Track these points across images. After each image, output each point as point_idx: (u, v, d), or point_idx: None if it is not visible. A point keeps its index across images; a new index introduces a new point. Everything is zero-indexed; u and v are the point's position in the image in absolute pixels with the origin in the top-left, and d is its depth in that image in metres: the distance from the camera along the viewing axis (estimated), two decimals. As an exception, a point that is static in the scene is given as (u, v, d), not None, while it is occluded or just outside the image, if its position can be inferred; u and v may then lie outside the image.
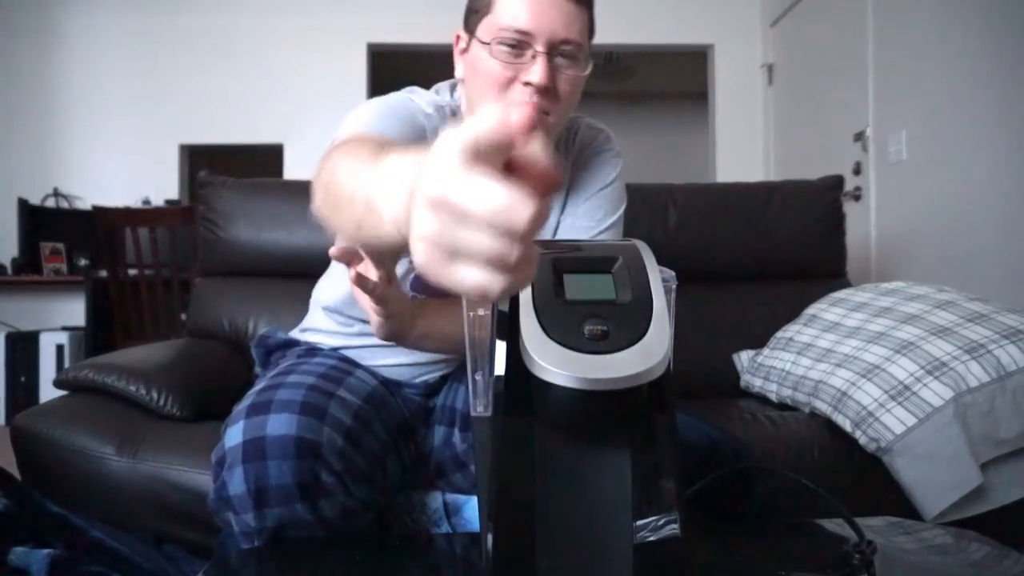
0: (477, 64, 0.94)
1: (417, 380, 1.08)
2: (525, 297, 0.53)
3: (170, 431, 1.31)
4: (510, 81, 0.92)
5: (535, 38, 0.90)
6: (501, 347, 0.56)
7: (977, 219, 2.38)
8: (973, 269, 2.37)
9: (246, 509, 0.80)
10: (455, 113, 1.01)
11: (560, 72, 0.93)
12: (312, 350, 1.10)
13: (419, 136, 0.95)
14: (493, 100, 0.93)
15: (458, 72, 1.01)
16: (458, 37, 1.00)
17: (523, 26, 0.90)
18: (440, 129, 0.96)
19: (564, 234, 1.07)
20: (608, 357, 0.50)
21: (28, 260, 3.79)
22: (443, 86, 1.07)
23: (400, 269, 0.99)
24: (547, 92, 0.92)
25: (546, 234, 1.06)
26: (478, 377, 0.61)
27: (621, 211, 1.09)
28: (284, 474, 0.79)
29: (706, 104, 4.42)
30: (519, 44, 0.90)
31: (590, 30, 0.97)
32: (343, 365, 1.02)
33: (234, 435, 0.82)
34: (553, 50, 0.91)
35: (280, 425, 0.81)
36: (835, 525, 0.80)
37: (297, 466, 0.80)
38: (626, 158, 1.14)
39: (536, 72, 0.90)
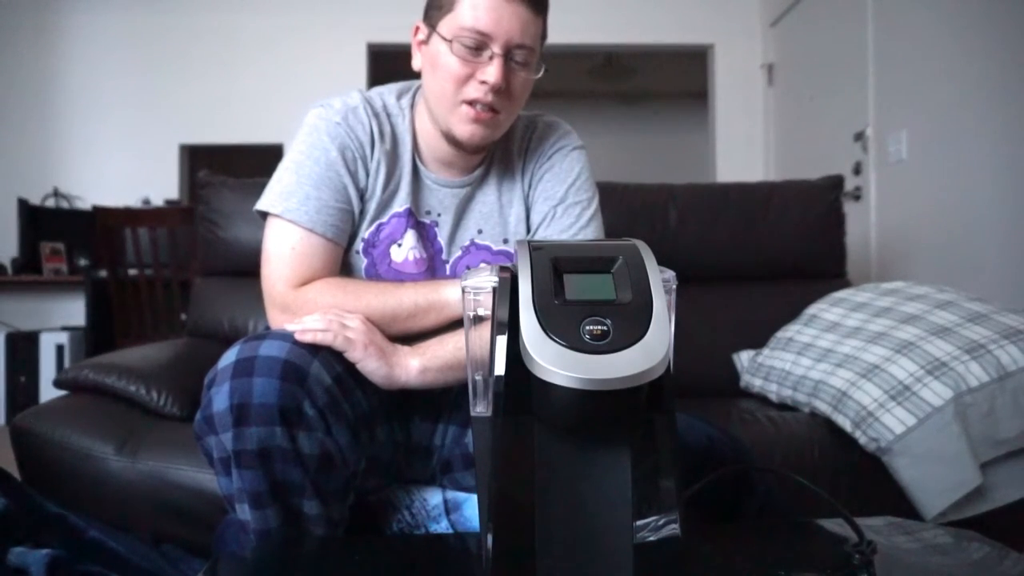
0: (437, 58, 1.00)
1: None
2: (525, 297, 0.53)
3: (170, 431, 1.31)
4: (467, 78, 0.98)
5: (493, 40, 0.96)
6: (501, 347, 0.56)
7: (977, 219, 2.38)
8: (973, 269, 2.37)
9: (226, 427, 0.82)
10: (390, 115, 1.08)
11: (514, 74, 0.99)
12: None
13: (361, 155, 1.03)
14: (451, 93, 0.99)
15: (416, 63, 1.07)
16: (417, 28, 1.05)
17: (483, 28, 0.95)
18: (386, 129, 1.06)
19: (548, 238, 1.08)
20: (608, 357, 0.50)
21: (28, 260, 3.79)
22: (390, 89, 1.11)
23: (362, 264, 1.06)
24: (500, 91, 0.98)
25: (517, 235, 1.11)
26: (478, 377, 0.61)
27: (596, 202, 1.12)
28: (268, 393, 0.82)
29: (706, 104, 4.42)
30: (478, 45, 0.96)
31: (543, 36, 1.03)
32: None
33: (228, 356, 0.86)
34: (509, 53, 0.97)
35: (272, 348, 0.85)
36: (835, 525, 0.80)
37: (281, 387, 0.82)
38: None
39: (492, 72, 0.96)
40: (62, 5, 4.15)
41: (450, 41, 0.97)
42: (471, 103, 0.99)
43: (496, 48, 0.96)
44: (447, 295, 0.97)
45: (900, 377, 1.33)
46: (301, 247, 1.00)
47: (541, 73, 1.03)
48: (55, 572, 1.02)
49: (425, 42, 1.03)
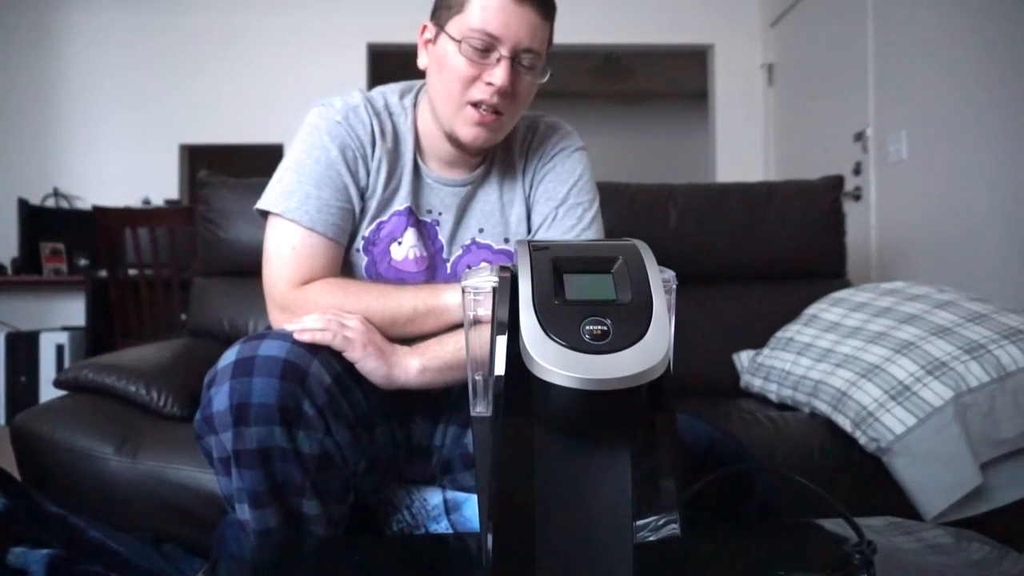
0: (444, 58, 1.00)
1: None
2: (525, 297, 0.53)
3: (170, 431, 1.31)
4: (474, 79, 0.99)
5: (502, 43, 0.97)
6: (501, 347, 0.56)
7: (977, 219, 2.38)
8: (973, 269, 2.37)
9: (226, 427, 0.83)
10: (392, 114, 1.08)
11: (520, 77, 1.00)
12: None
13: (362, 154, 1.04)
14: (457, 93, 1.00)
15: (421, 61, 1.07)
16: (424, 27, 1.06)
17: (492, 30, 0.96)
18: (388, 128, 1.06)
19: (550, 238, 1.08)
20: (608, 357, 0.50)
21: (28, 260, 3.78)
22: (393, 88, 1.12)
23: (363, 261, 1.06)
24: (505, 93, 0.98)
25: (519, 235, 1.11)
26: (478, 377, 0.61)
27: (597, 203, 1.13)
28: (267, 393, 0.82)
29: (706, 104, 4.42)
30: (486, 47, 0.97)
31: (549, 41, 1.04)
32: None
33: (227, 356, 0.86)
34: (516, 56, 0.98)
35: (272, 348, 0.85)
36: (835, 525, 0.80)
37: (281, 386, 0.82)
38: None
39: (499, 75, 0.97)
40: (62, 5, 4.15)
41: (459, 42, 0.97)
42: (476, 104, 0.99)
43: (504, 51, 0.96)
44: (447, 300, 0.97)
45: (900, 377, 1.33)
46: (302, 246, 1.00)
47: (546, 78, 1.03)
48: (55, 572, 1.02)
49: (432, 41, 1.03)
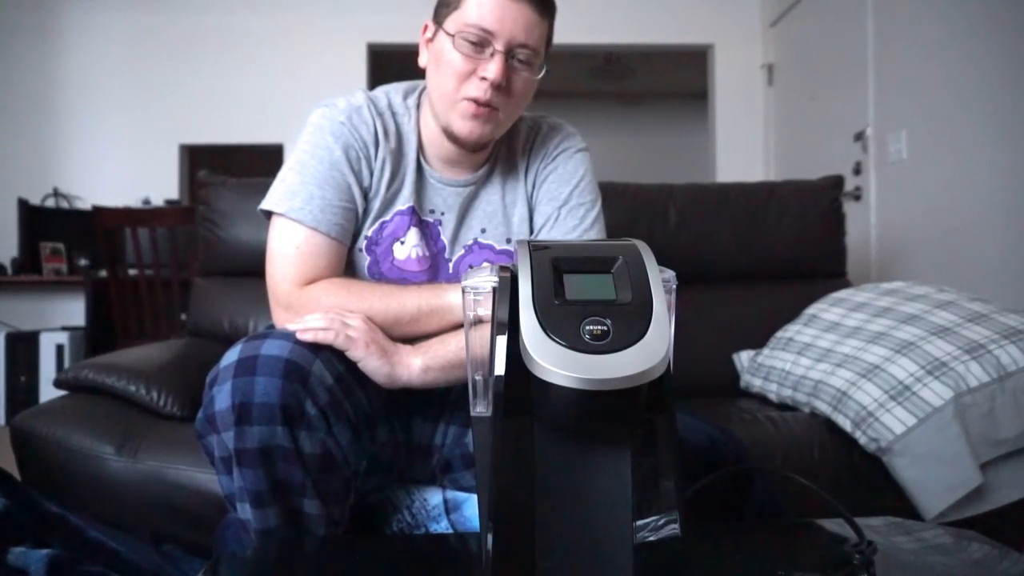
0: (441, 54, 1.01)
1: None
2: (525, 297, 0.53)
3: (170, 431, 1.31)
4: (469, 74, 0.99)
5: (496, 38, 0.97)
6: (501, 347, 0.56)
7: (977, 219, 2.38)
8: (973, 269, 2.37)
9: (228, 426, 0.83)
10: (396, 114, 1.09)
11: (515, 73, 1.00)
12: None
13: (365, 154, 1.04)
14: (452, 89, 1.00)
15: (422, 60, 1.08)
16: (426, 26, 1.07)
17: (487, 25, 0.97)
18: (391, 128, 1.07)
19: (552, 239, 1.08)
20: (608, 357, 0.50)
21: (28, 260, 3.78)
22: (397, 88, 1.12)
23: (366, 261, 1.06)
24: (500, 89, 0.99)
25: (521, 236, 1.11)
26: (478, 377, 0.61)
27: (599, 204, 1.13)
28: (270, 392, 0.82)
29: (706, 104, 4.42)
30: (481, 41, 0.98)
31: (548, 39, 1.05)
32: None
33: (230, 355, 0.86)
34: (511, 52, 0.99)
35: (274, 348, 0.85)
36: (835, 525, 0.80)
37: (283, 386, 0.83)
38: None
39: (492, 69, 0.97)
40: (62, 5, 4.15)
41: (453, 36, 0.98)
42: (471, 100, 0.99)
43: (498, 46, 0.97)
44: (450, 300, 0.98)
45: (900, 377, 1.33)
46: (305, 246, 1.00)
47: (543, 74, 1.03)
48: (55, 572, 1.02)
49: (432, 39, 1.05)
